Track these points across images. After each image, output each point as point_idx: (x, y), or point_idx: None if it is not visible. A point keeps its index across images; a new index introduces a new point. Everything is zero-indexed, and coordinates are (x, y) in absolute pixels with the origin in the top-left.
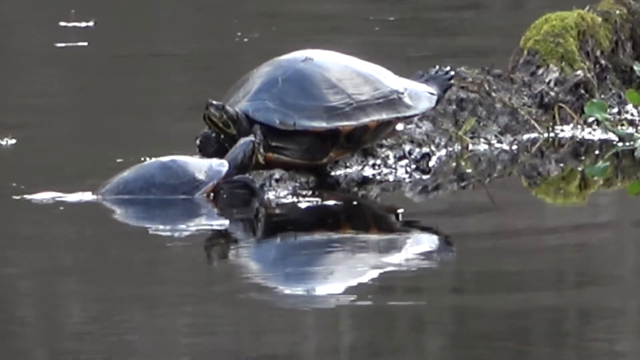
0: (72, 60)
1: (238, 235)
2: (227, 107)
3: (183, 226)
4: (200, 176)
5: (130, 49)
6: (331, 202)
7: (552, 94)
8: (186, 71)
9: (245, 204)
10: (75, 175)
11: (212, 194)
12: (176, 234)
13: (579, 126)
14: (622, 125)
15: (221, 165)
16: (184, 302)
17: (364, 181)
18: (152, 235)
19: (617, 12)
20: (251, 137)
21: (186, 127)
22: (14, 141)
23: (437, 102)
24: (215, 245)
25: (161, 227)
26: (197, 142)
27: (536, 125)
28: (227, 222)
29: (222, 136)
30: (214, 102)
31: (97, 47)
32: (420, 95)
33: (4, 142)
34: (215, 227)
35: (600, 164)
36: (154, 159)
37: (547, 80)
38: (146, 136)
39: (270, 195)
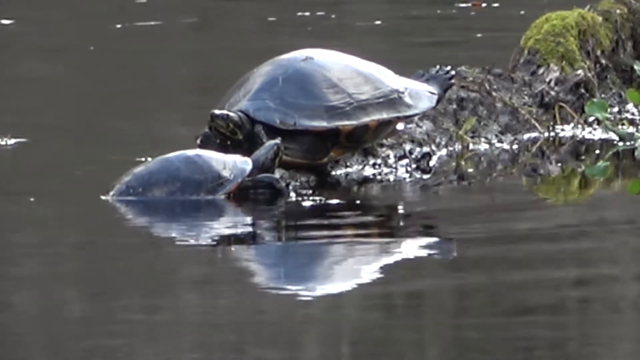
0: (72, 61)
1: (242, 234)
2: (231, 115)
3: (193, 228)
4: (225, 173)
5: (130, 48)
6: (332, 201)
7: (553, 93)
8: (185, 70)
9: (267, 204)
10: (81, 175)
11: (232, 193)
12: (183, 236)
13: (580, 126)
14: (623, 124)
15: (245, 163)
16: (184, 302)
17: (365, 181)
18: (157, 238)
19: (618, 11)
20: (276, 141)
21: (186, 126)
22: (13, 141)
23: (438, 101)
24: (220, 245)
25: (170, 229)
26: (198, 141)
27: (537, 124)
28: (234, 222)
29: (229, 142)
30: (218, 113)
31: (97, 48)
32: (420, 94)
33: (3, 142)
34: (221, 227)
35: (600, 163)
36: (178, 152)
37: (547, 79)
38: (146, 136)
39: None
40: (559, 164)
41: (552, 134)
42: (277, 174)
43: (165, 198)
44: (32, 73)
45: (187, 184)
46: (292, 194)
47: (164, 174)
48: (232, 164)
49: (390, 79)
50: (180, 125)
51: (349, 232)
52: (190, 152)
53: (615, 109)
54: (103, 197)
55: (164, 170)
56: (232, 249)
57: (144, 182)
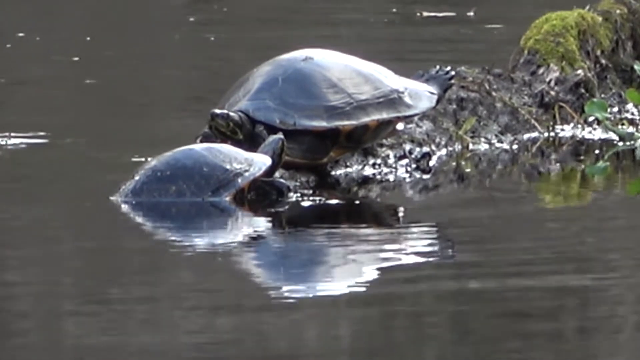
0: (71, 60)
1: (242, 233)
2: (231, 114)
3: (193, 229)
4: (244, 166)
5: (129, 47)
6: (332, 201)
7: (553, 93)
8: (184, 69)
9: (267, 204)
10: (86, 176)
11: (237, 194)
12: (184, 237)
13: (580, 125)
14: (623, 124)
15: (264, 162)
16: (185, 303)
17: (365, 180)
18: (159, 238)
19: (618, 11)
20: (279, 135)
21: (186, 126)
22: (12, 142)
23: (438, 101)
24: (220, 246)
25: (172, 230)
26: (197, 141)
27: (536, 124)
28: (234, 223)
29: (229, 142)
30: (219, 112)
31: (96, 46)
32: (420, 94)
33: (4, 142)
34: (222, 228)
35: (600, 163)
36: (183, 147)
37: (547, 79)
38: (146, 136)
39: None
40: (559, 164)
41: (552, 134)
42: (277, 173)
43: (170, 199)
44: (32, 75)
45: (213, 169)
46: (292, 194)
47: (190, 159)
48: (251, 160)
49: (390, 79)
50: (180, 125)
51: (349, 232)
52: (213, 144)
53: (615, 109)
54: (112, 198)
55: (173, 166)
56: (234, 246)
57: (151, 182)
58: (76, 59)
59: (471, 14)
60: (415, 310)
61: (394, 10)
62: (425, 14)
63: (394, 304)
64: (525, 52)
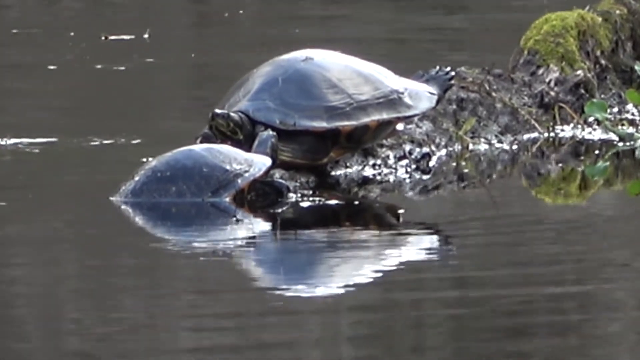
0: (69, 60)
1: (241, 234)
2: (232, 114)
3: (193, 229)
4: (244, 167)
5: (129, 48)
6: (332, 202)
7: (553, 93)
8: (185, 69)
9: (267, 205)
10: (86, 176)
11: (237, 194)
12: (183, 237)
13: (579, 126)
14: (623, 125)
15: (264, 163)
16: (184, 302)
17: (364, 181)
18: (158, 239)
19: (617, 12)
20: (269, 132)
21: (186, 126)
22: (12, 142)
23: (438, 102)
24: (218, 244)
25: (171, 230)
26: (197, 142)
27: (536, 125)
28: (232, 221)
29: (230, 142)
30: (219, 112)
31: (95, 47)
32: (420, 95)
33: (3, 142)
34: (221, 229)
35: (600, 163)
36: (183, 148)
37: (547, 80)
38: (146, 136)
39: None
40: (559, 165)
41: (552, 134)
42: (277, 174)
43: (170, 199)
44: (32, 73)
45: (213, 169)
46: (292, 195)
47: (190, 160)
48: (251, 160)
49: (390, 80)
50: (180, 125)
51: (348, 233)
52: (213, 145)
53: (615, 110)
54: (112, 198)
55: (173, 167)
56: (233, 247)
57: (151, 182)
58: (75, 60)
59: (146, 36)
60: (415, 314)
61: (72, 34)
62: (110, 37)
63: (394, 308)
64: (525, 52)
